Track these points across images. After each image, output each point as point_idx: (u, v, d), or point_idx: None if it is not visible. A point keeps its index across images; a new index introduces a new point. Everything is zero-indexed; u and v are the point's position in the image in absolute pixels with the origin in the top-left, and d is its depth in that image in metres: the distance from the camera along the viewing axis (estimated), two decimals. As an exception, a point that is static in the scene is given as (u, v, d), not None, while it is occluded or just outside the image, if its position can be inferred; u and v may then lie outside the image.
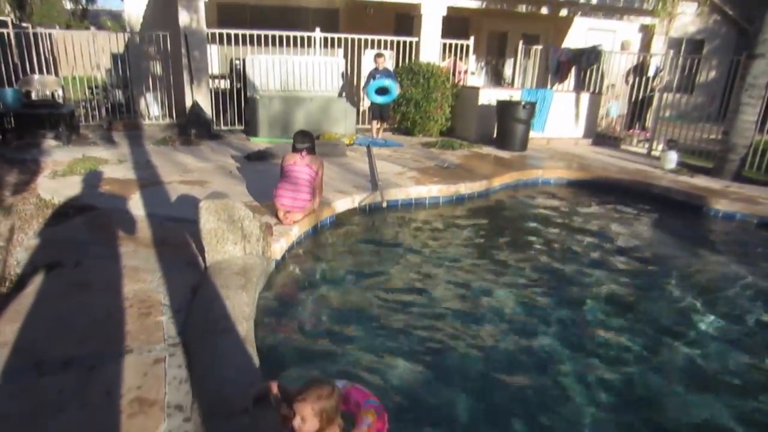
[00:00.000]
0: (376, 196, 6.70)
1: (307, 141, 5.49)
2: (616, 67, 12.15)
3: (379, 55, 10.53)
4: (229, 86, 11.65)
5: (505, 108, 10.38)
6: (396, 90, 10.38)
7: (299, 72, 10.96)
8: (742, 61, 8.70)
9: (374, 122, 10.93)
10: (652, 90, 11.70)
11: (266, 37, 10.80)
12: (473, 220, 6.75)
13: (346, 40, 11.48)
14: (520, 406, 3.16)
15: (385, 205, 6.69)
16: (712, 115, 12.10)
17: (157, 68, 11.87)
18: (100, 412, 2.48)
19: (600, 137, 11.96)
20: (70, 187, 6.12)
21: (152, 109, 11.69)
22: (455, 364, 3.53)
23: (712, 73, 15.67)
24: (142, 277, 3.92)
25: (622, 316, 4.31)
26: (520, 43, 12.62)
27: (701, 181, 8.48)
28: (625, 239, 6.29)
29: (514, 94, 10.95)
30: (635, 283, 4.98)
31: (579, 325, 4.14)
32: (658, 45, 14.98)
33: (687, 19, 15.97)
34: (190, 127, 10.28)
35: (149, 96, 11.67)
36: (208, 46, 10.81)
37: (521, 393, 3.28)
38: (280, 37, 10.91)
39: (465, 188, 7.48)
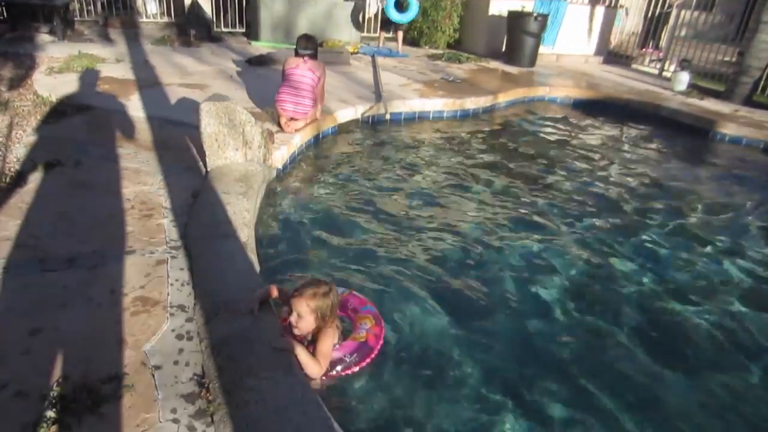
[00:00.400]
0: (380, 107, 6.58)
1: (311, 46, 5.31)
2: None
3: None
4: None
5: (515, 19, 9.95)
6: (416, 6, 9.88)
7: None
8: (766, -24, 8.26)
9: (382, 32, 10.50)
10: (670, 6, 11.18)
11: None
12: (476, 135, 6.67)
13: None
14: (513, 319, 3.26)
15: (388, 117, 6.58)
16: (730, 36, 11.64)
17: (154, -38, 11.25)
18: (104, 309, 2.55)
19: (611, 55, 11.58)
20: (68, 85, 5.98)
21: (150, 6, 11.18)
22: (449, 271, 3.62)
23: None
24: (143, 180, 3.92)
25: (618, 237, 4.36)
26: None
27: (711, 104, 8.32)
28: (627, 162, 6.25)
29: (526, 5, 10.47)
30: (633, 207, 5.00)
31: (574, 243, 4.20)
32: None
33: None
34: (190, 28, 9.90)
35: (146, -8, 11.14)
36: (206, -61, 10.20)
37: (514, 306, 3.37)
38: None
39: (470, 103, 7.35)
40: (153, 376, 2.19)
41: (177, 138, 4.77)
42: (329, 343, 2.48)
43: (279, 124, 5.26)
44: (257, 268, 2.96)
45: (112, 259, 2.93)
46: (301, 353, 2.35)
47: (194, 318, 2.56)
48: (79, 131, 4.74)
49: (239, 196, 3.72)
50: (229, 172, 4.09)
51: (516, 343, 3.05)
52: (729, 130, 7.23)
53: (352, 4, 10.46)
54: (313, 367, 2.37)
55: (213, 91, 6.10)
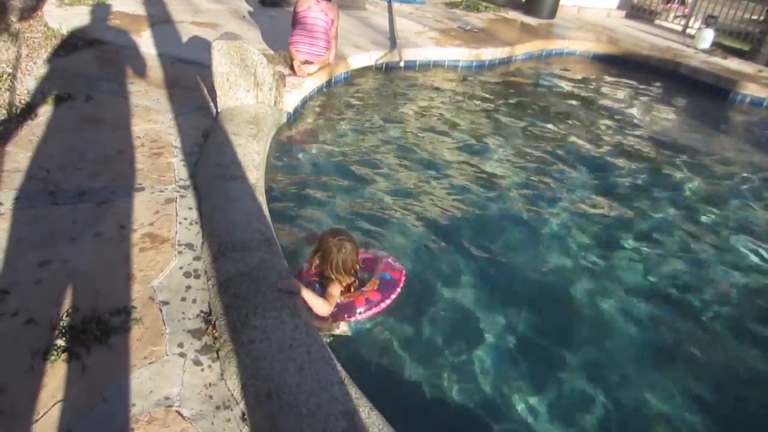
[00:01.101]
0: (394, 54, 6.44)
1: None
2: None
3: None
4: None
5: (538, -32, 9.58)
6: None
7: None
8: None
9: None
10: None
11: None
12: (491, 87, 6.54)
13: None
14: (513, 272, 3.28)
15: (402, 64, 6.45)
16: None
17: None
18: (114, 243, 2.58)
19: (635, 9, 11.19)
20: (78, 18, 5.87)
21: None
22: (457, 227, 3.62)
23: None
24: (153, 117, 3.89)
25: (628, 198, 4.34)
26: None
27: (733, 63, 8.07)
28: (641, 121, 6.13)
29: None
30: (644, 166, 4.94)
31: (582, 204, 4.17)
32: None
33: None
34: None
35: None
36: None
37: (516, 262, 3.39)
38: None
39: (486, 54, 7.17)
40: (161, 311, 2.24)
41: (188, 77, 4.71)
42: (337, 287, 2.58)
43: (291, 67, 5.17)
44: (265, 210, 2.97)
45: (122, 195, 2.95)
46: (308, 294, 2.39)
47: (202, 256, 2.58)
48: (90, 65, 4.68)
49: (249, 138, 3.70)
50: (239, 114, 4.06)
51: (528, 311, 2.99)
52: (750, 90, 7.04)
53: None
54: (321, 306, 2.44)
55: (225, 31, 5.96)
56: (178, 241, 2.65)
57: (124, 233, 2.65)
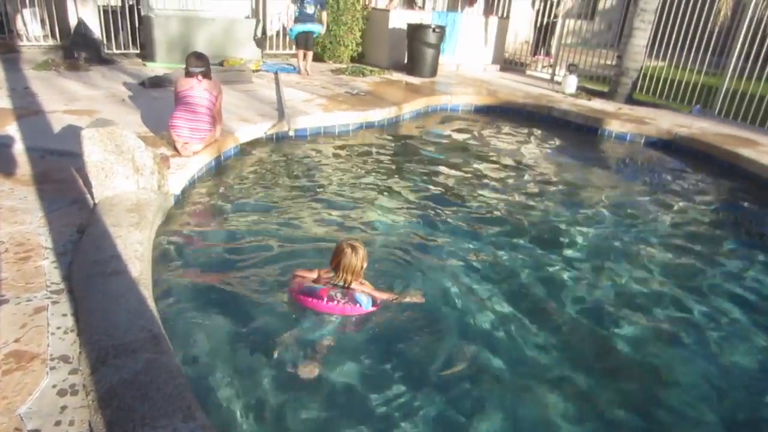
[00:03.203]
0: (283, 124, 6.46)
1: (203, 64, 5.09)
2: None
3: None
4: (120, 3, 10.55)
5: (415, 32, 10.16)
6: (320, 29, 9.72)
7: (199, -11, 10.12)
8: (635, -14, 8.98)
9: (300, 51, 9.78)
10: (556, 16, 11.85)
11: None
12: (382, 147, 6.69)
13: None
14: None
15: (292, 133, 6.47)
16: (610, 42, 12.51)
17: (34, -20, 10.50)
18: (-27, 367, 2.27)
19: (508, 62, 12.08)
20: (-69, 119, 5.42)
21: (31, 27, 10.41)
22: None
23: (611, 0, 16.01)
24: (19, 218, 3.57)
25: (516, 234, 4.52)
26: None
27: (597, 104, 8.88)
28: (526, 162, 6.51)
29: (424, 18, 10.72)
30: (529, 203, 5.21)
31: (476, 248, 4.26)
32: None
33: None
34: (77, 50, 9.29)
35: (27, 12, 10.34)
36: (92, -46, 9.64)
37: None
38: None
39: (375, 115, 7.38)
40: (30, 441, 1.97)
41: (60, 169, 4.42)
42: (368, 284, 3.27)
43: (175, 148, 5.01)
44: (151, 304, 2.76)
45: (-18, 311, 2.63)
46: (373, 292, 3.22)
47: (79, 368, 2.33)
48: (-55, 169, 4.29)
49: (130, 228, 3.48)
50: (119, 203, 3.83)
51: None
52: (613, 127, 7.81)
53: (254, 21, 10.28)
54: (383, 295, 3.26)
55: (102, 117, 5.74)
56: (51, 355, 2.38)
57: (-16, 355, 2.34)
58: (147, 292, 2.89)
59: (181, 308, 3.17)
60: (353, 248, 3.11)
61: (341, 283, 3.15)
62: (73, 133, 5.22)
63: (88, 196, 3.96)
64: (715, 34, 8.62)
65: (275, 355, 2.85)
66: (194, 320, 3.09)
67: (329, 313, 3.13)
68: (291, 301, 3.25)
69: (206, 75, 5.09)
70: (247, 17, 10.38)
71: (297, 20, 9.44)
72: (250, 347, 2.93)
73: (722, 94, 8.36)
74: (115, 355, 2.33)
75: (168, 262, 3.68)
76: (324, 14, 9.61)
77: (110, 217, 3.60)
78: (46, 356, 2.37)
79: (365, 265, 3.19)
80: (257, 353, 2.89)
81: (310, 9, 9.35)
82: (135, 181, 4.02)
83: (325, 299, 3.10)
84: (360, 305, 3.12)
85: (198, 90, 5.02)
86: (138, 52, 10.38)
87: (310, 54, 9.84)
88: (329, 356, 2.90)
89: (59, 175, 4.33)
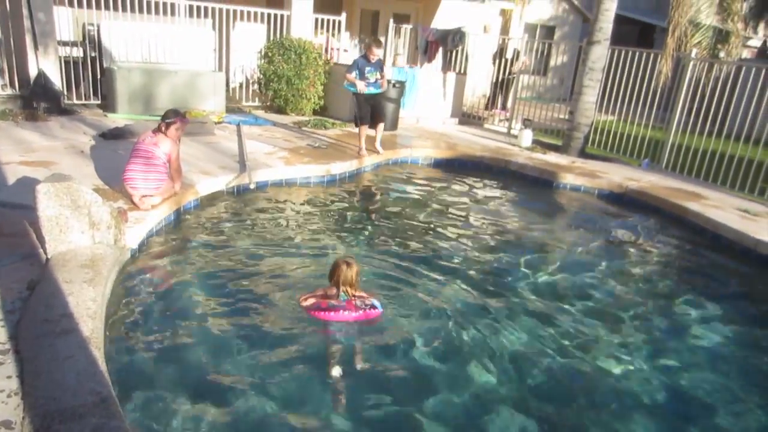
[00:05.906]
0: (244, 177, 6.50)
1: (168, 116, 5.16)
2: (479, 49, 12.72)
3: (376, 44, 8.01)
4: (82, 55, 10.57)
5: (376, 86, 10.43)
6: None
7: (163, 43, 10.23)
8: (583, 47, 9.54)
9: (363, 126, 8.21)
10: (512, 72, 12.40)
11: (123, 0, 9.88)
12: (343, 199, 6.79)
13: (213, 9, 10.83)
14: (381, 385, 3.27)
15: (253, 186, 6.51)
16: (563, 96, 13.14)
17: (-7, 31, 10.45)
18: None
19: (466, 116, 12.50)
20: None
21: (-11, 77, 10.32)
22: (316, 355, 3.54)
23: (564, 58, 16.90)
24: (-34, 275, 3.49)
25: (477, 285, 4.61)
26: (391, 21, 12.73)
27: (552, 157, 9.24)
28: (483, 214, 6.71)
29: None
30: (484, 253, 5.34)
31: (432, 294, 4.33)
32: (517, 30, 15.88)
33: (540, 6, 17.08)
34: (36, 100, 9.22)
35: (-16, 62, 10.27)
36: (55, 7, 9.67)
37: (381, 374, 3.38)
38: (140, 2, 10.03)
39: (336, 168, 7.49)
40: None
41: (13, 223, 4.33)
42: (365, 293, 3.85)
43: (133, 201, 4.99)
44: (102, 365, 2.70)
45: None
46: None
47: (22, 434, 2.26)
48: None
49: (84, 285, 3.43)
50: (73, 258, 3.78)
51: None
52: (568, 180, 8.12)
53: (217, 73, 10.42)
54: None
55: (60, 169, 5.70)
56: (-8, 420, 2.31)
57: None
58: (98, 352, 2.84)
59: (136, 368, 3.12)
60: (347, 264, 3.71)
61: (344, 297, 3.70)
62: (27, 185, 5.14)
63: (41, 251, 3.90)
64: (659, 92, 9.15)
65: (234, 411, 2.82)
66: (149, 380, 3.03)
67: (356, 322, 3.68)
68: (313, 321, 3.71)
69: (166, 128, 5.11)
70: (213, 71, 10.52)
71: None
72: (212, 406, 2.89)
73: (668, 148, 8.82)
74: (60, 420, 2.27)
75: (123, 320, 3.62)
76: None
77: (63, 273, 3.55)
78: (-13, 422, 2.29)
79: (358, 279, 3.79)
80: (216, 411, 2.85)
81: (372, 77, 8.17)
82: (90, 236, 3.99)
83: (353, 310, 3.65)
84: (378, 308, 3.76)
85: (148, 143, 5.04)
86: (99, 102, 10.34)
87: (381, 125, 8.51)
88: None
89: (11, 228, 4.25)
